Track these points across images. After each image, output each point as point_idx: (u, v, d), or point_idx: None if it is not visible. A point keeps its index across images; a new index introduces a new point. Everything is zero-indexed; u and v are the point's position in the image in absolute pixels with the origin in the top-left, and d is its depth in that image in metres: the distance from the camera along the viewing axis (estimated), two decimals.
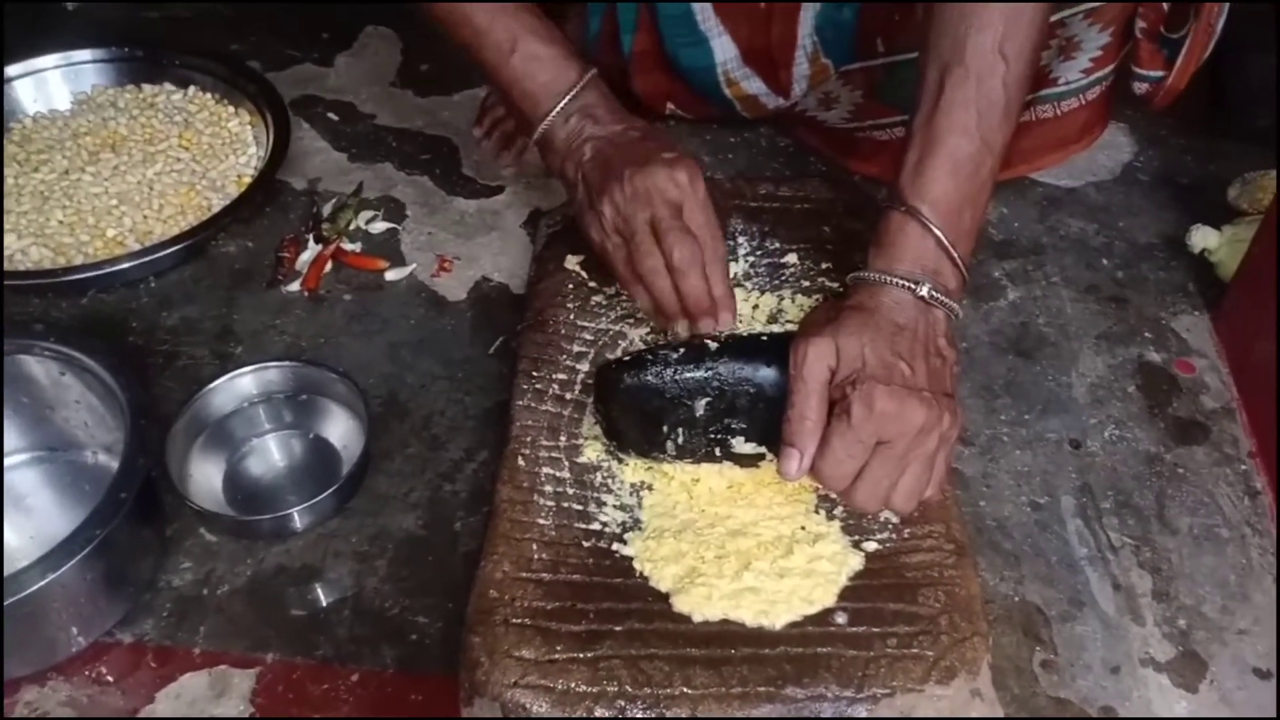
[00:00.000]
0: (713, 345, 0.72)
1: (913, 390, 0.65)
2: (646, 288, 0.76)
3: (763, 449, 0.71)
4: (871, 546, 0.69)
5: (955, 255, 0.70)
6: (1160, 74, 0.94)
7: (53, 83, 1.11)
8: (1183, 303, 0.96)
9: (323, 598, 0.77)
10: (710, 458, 0.73)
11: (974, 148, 0.71)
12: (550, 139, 0.81)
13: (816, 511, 0.71)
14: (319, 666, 0.73)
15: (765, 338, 0.75)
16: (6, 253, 0.96)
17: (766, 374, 0.70)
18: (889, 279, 0.69)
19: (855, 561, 0.68)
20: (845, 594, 0.67)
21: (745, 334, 0.78)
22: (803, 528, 0.70)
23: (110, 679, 0.72)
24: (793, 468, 0.66)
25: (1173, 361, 0.91)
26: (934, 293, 0.69)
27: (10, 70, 1.09)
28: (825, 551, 0.68)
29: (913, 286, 0.69)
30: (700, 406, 0.71)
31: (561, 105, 0.80)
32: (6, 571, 0.67)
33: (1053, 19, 0.89)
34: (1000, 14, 0.71)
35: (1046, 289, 0.97)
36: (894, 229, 0.71)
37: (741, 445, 0.72)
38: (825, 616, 0.65)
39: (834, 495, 0.71)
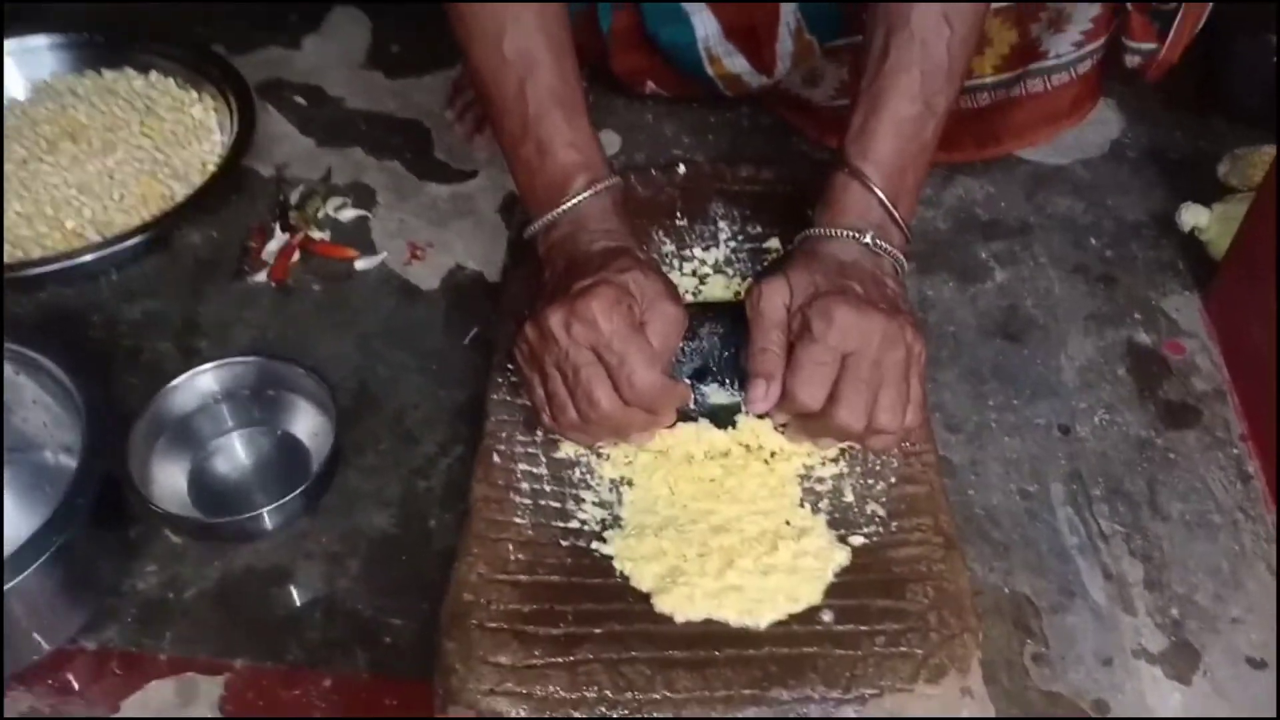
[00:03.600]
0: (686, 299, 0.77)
1: (868, 302, 0.67)
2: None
3: (737, 398, 0.73)
4: (858, 541, 0.68)
5: (896, 214, 0.72)
6: (1153, 46, 0.93)
7: (8, 70, 1.07)
8: (1172, 282, 0.94)
9: (293, 600, 0.75)
10: (684, 415, 0.72)
11: (917, 110, 0.72)
12: (535, 241, 0.76)
13: (801, 505, 0.70)
14: (290, 671, 0.71)
15: (734, 297, 0.82)
16: None
17: (737, 326, 0.73)
18: (833, 231, 0.72)
19: (841, 556, 0.67)
20: (832, 591, 0.65)
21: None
22: (787, 522, 0.69)
23: (74, 687, 0.71)
24: (759, 393, 0.68)
25: (1162, 343, 0.89)
26: (878, 240, 0.71)
27: None
28: (811, 547, 0.67)
29: (857, 235, 0.71)
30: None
31: (552, 214, 0.74)
32: None
33: None
34: None
35: (1034, 270, 0.95)
36: (838, 189, 0.73)
37: (716, 393, 0.74)
38: (811, 615, 0.64)
39: (820, 441, 0.71)
